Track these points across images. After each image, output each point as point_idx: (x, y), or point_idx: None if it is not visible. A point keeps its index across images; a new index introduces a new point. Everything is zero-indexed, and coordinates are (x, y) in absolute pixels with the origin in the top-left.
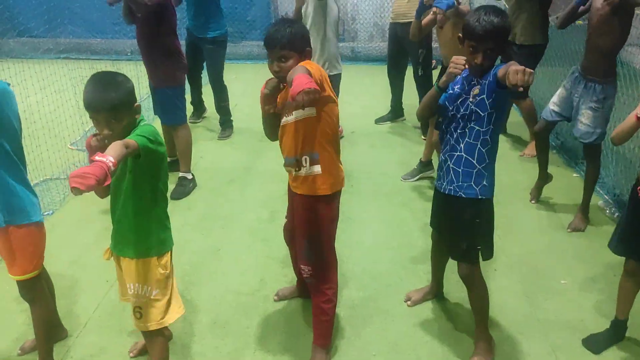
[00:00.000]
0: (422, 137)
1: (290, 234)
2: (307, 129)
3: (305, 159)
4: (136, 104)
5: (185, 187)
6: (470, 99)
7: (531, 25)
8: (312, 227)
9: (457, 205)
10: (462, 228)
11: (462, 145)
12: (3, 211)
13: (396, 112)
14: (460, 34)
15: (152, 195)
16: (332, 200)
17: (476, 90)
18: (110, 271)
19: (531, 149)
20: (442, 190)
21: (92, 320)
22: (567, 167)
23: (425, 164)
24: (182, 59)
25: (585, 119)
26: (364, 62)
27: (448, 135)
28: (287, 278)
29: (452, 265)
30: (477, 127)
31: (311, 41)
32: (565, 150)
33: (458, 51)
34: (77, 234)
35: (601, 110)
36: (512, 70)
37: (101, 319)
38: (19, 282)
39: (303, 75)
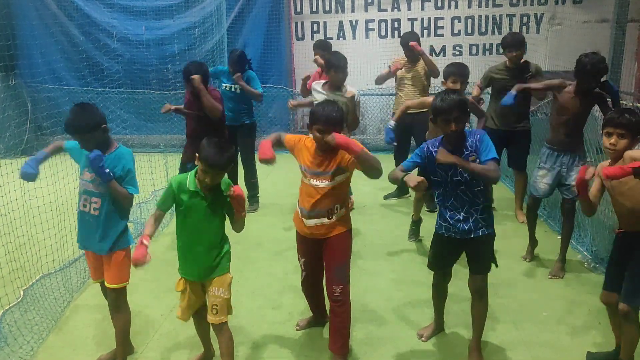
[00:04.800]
0: (426, 209)
1: (312, 282)
2: (342, 188)
3: (337, 207)
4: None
5: None
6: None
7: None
8: (346, 254)
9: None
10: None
11: (482, 198)
12: (110, 241)
13: (402, 190)
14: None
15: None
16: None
17: (473, 157)
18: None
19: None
20: (472, 236)
21: (153, 341)
22: (553, 231)
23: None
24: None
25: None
26: (372, 152)
27: (462, 197)
28: (305, 315)
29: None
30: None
31: None
32: (552, 218)
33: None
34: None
35: None
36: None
37: (160, 341)
38: (113, 290)
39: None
